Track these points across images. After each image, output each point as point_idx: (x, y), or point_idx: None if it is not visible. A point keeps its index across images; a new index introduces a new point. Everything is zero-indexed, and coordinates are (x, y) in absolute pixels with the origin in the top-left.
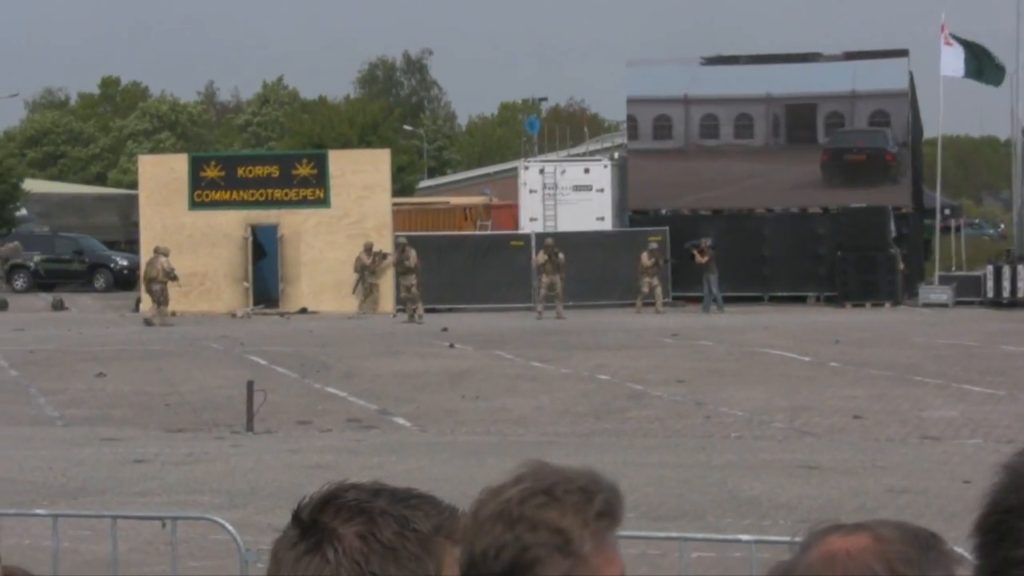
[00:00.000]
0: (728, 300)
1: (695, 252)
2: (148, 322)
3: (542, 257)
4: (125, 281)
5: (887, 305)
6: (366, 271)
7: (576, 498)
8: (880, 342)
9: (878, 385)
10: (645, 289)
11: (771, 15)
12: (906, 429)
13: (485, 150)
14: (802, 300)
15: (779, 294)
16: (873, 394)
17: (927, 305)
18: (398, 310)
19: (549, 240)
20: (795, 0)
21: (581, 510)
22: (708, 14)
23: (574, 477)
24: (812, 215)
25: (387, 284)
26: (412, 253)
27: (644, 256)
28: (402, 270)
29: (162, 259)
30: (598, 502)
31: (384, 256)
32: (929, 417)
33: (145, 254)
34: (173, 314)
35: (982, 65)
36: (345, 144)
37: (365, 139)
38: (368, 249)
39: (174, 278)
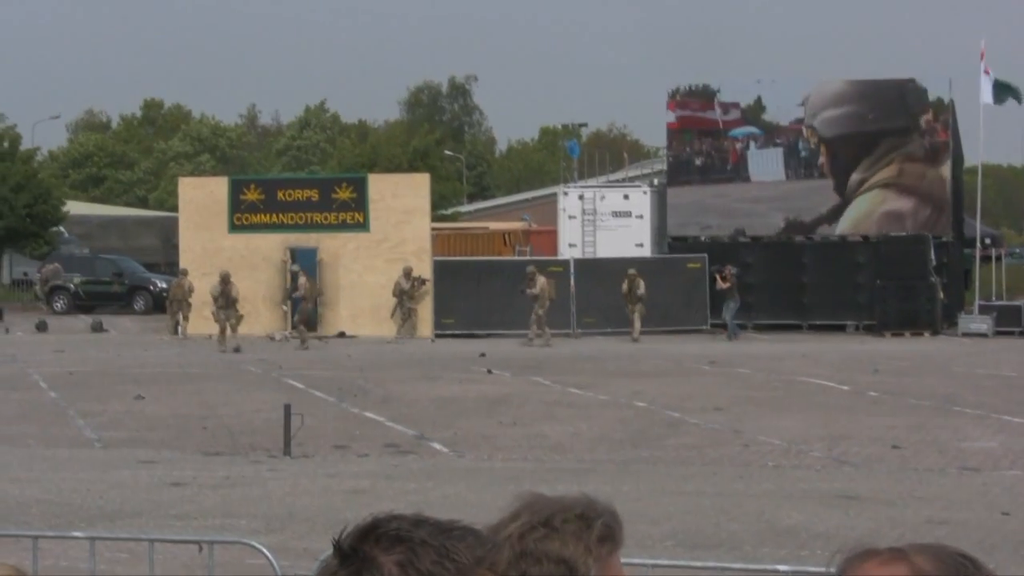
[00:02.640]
0: (766, 328)
1: (717, 277)
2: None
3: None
4: (164, 303)
5: (926, 334)
6: (404, 296)
7: (575, 526)
8: (919, 371)
9: (917, 415)
10: (633, 316)
11: (812, 45)
12: (945, 459)
13: (524, 175)
14: (841, 328)
15: (818, 322)
16: (912, 424)
17: (967, 335)
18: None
19: (530, 267)
20: (836, 29)
21: (582, 538)
22: (745, 46)
23: (571, 505)
24: (852, 243)
25: (426, 309)
26: (302, 280)
27: (624, 284)
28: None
29: (185, 280)
30: (597, 528)
31: (423, 281)
32: (968, 448)
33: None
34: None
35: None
36: (395, 169)
37: (414, 165)
38: (407, 274)
39: (228, 302)
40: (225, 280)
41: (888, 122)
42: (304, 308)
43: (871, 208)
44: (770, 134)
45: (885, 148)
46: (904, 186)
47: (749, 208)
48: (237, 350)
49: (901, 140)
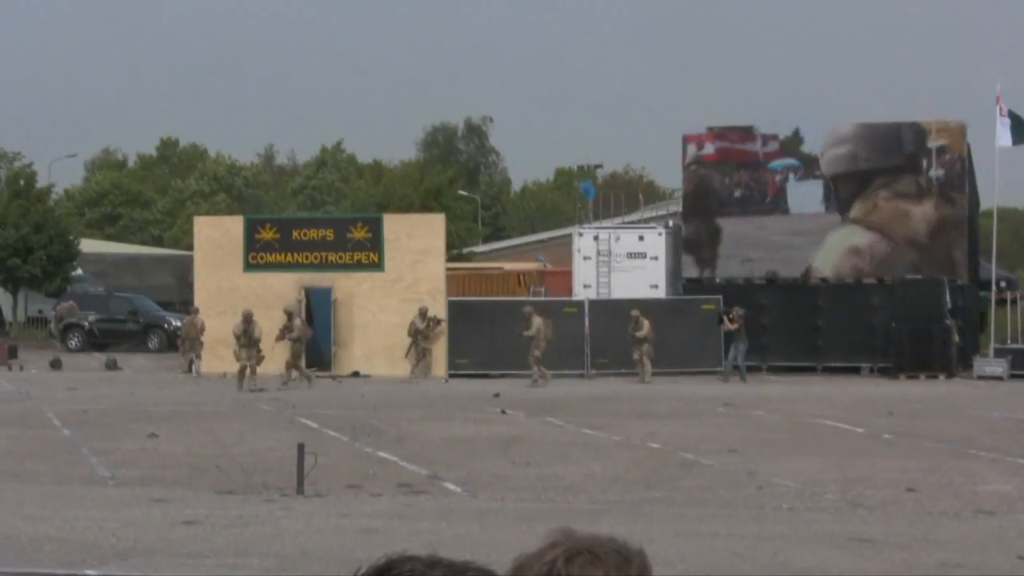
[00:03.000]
0: (781, 370)
1: (724, 318)
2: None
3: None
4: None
5: (941, 377)
6: (419, 336)
7: (616, 559)
8: (934, 414)
9: (932, 458)
10: (638, 357)
11: (833, 89)
12: (960, 503)
13: (539, 216)
14: (856, 371)
15: (832, 364)
16: (927, 467)
17: (982, 377)
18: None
19: (526, 308)
20: (852, 71)
21: (623, 570)
22: (768, 88)
23: (606, 541)
24: (867, 285)
25: (440, 349)
26: (297, 322)
27: (630, 326)
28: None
29: (196, 318)
30: (635, 564)
31: (438, 322)
32: (983, 491)
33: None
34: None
35: None
36: (408, 208)
37: (427, 204)
38: (423, 314)
39: (250, 341)
40: (248, 319)
41: (881, 161)
42: (296, 349)
43: (839, 244)
44: (809, 166)
45: (875, 186)
46: (870, 223)
47: (789, 240)
48: (253, 389)
49: (891, 179)
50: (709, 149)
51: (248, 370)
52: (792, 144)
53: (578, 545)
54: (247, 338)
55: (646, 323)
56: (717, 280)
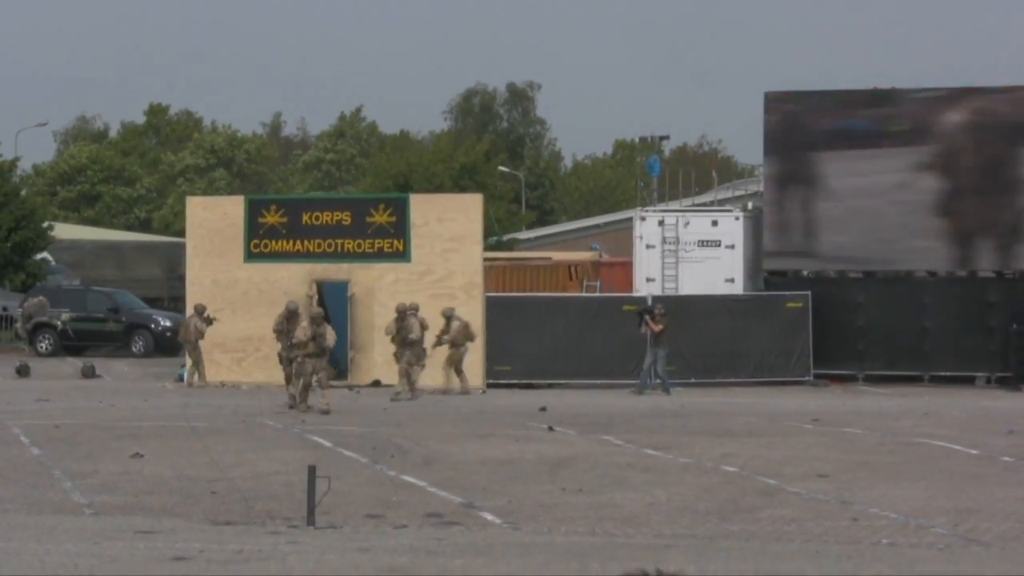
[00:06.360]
0: (882, 380)
1: (647, 319)
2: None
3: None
4: (168, 345)
5: None
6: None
7: None
8: None
9: None
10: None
11: (940, 58)
12: None
13: (594, 197)
14: (969, 381)
15: (942, 373)
16: None
17: None
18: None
19: (411, 304)
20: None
21: None
22: (857, 52)
23: None
24: (983, 280)
25: (476, 354)
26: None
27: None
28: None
29: (195, 320)
30: None
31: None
32: None
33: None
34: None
35: None
36: (438, 187)
37: (460, 183)
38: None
39: (321, 350)
40: (318, 321)
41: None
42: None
43: None
44: None
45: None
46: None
47: None
48: (324, 411)
49: None
50: None
51: (319, 385)
52: None
53: None
54: (317, 345)
55: (416, 324)
56: (805, 273)
